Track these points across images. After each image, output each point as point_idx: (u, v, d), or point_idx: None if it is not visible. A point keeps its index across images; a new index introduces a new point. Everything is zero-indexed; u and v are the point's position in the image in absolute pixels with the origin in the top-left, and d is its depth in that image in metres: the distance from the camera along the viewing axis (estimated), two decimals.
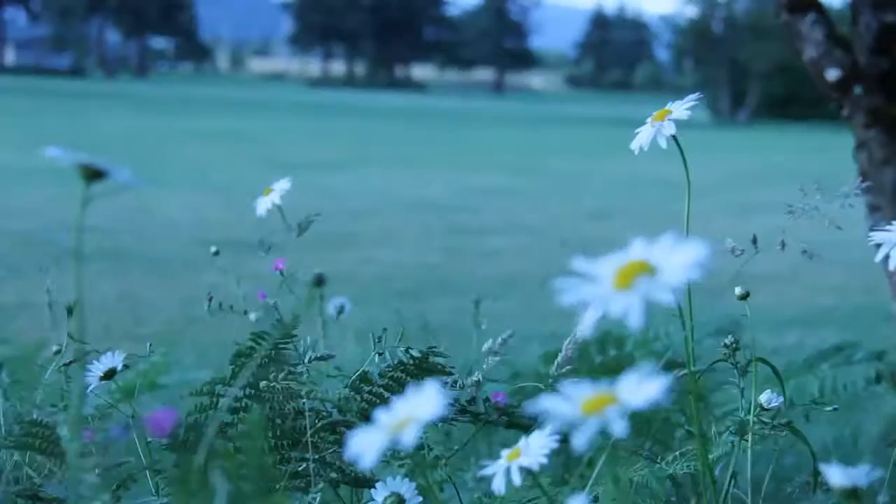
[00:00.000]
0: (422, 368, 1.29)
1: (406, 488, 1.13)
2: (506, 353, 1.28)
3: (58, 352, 1.37)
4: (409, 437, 0.70)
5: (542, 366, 1.82)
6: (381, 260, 6.35)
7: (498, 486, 0.85)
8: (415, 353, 1.29)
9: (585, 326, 0.68)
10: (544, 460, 0.85)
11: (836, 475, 0.80)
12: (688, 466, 1.22)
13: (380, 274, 5.85)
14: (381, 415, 0.74)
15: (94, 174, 0.78)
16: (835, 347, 2.00)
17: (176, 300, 4.94)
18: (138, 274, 5.65)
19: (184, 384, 1.66)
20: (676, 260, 0.68)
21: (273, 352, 1.23)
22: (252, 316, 1.35)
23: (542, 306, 5.04)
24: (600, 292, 0.68)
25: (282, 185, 1.37)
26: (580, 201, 9.80)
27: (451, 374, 1.30)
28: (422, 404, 0.73)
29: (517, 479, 0.85)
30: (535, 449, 0.86)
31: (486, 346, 1.28)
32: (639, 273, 0.68)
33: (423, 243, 7.13)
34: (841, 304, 5.03)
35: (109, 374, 1.28)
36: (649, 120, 1.10)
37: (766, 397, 1.25)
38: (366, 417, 1.27)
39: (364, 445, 0.72)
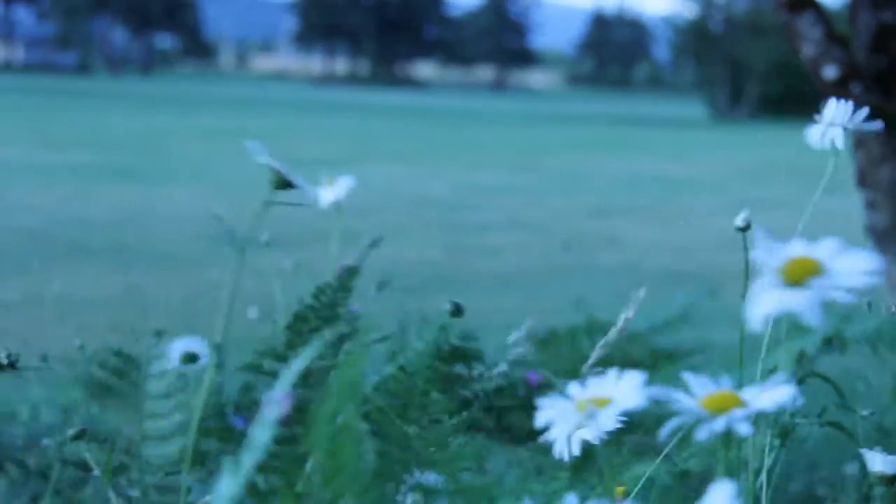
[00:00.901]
0: (456, 355, 1.28)
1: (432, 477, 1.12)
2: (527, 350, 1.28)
3: (81, 347, 1.40)
4: (607, 419, 0.68)
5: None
6: (383, 256, 6.36)
7: (560, 451, 0.86)
8: (452, 339, 1.28)
9: (755, 319, 0.67)
10: (605, 436, 0.86)
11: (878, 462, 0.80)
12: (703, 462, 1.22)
13: (381, 270, 5.87)
14: (573, 389, 0.73)
15: (283, 183, 0.79)
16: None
17: (181, 295, 4.97)
18: (144, 269, 5.68)
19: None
20: (849, 264, 0.67)
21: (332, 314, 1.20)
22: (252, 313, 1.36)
23: (542, 302, 5.07)
24: (771, 286, 0.67)
25: (346, 182, 1.36)
26: (580, 198, 9.83)
27: (483, 360, 1.28)
28: (621, 389, 0.71)
29: (576, 449, 0.86)
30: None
31: (513, 337, 1.27)
32: (810, 272, 0.67)
33: (424, 240, 7.16)
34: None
35: (190, 359, 1.30)
36: (825, 116, 1.08)
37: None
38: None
39: (557, 416, 0.69)
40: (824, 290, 0.66)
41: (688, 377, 0.70)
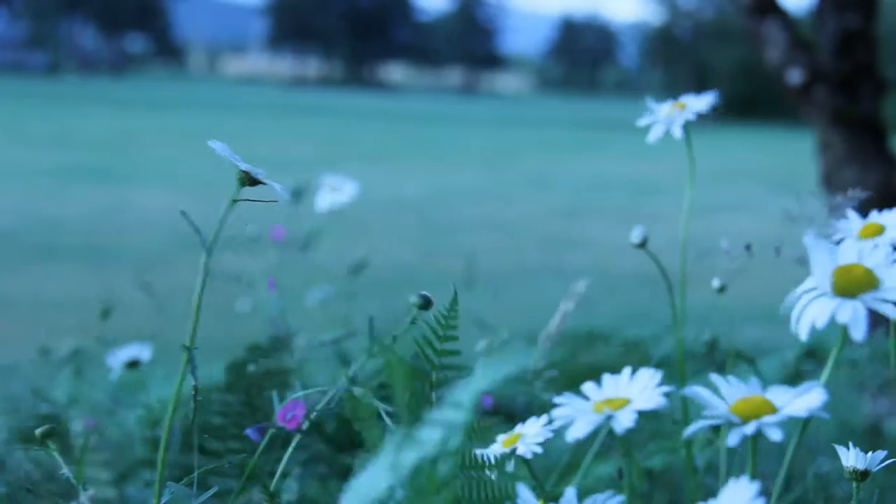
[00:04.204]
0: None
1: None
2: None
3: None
4: (624, 423, 0.65)
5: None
6: (355, 257, 6.38)
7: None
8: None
9: (803, 329, 0.65)
10: (539, 449, 0.83)
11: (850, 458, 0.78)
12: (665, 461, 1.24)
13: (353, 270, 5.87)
14: (588, 388, 0.70)
15: (250, 181, 0.80)
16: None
17: (151, 297, 4.96)
18: (114, 271, 5.68)
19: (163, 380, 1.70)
20: None
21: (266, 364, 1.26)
22: None
23: (513, 302, 5.10)
24: (824, 295, 0.65)
25: (348, 187, 1.38)
26: (550, 200, 9.87)
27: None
28: (637, 390, 0.69)
29: (511, 466, 0.84)
30: (530, 438, 0.84)
31: (480, 345, 1.26)
32: (861, 282, 0.65)
33: (396, 240, 7.18)
34: None
35: (133, 364, 1.33)
36: (663, 110, 1.07)
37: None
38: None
39: (575, 416, 0.67)
40: (874, 303, 0.64)
41: (715, 378, 0.68)
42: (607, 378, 0.71)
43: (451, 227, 8.00)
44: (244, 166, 0.78)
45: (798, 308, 0.65)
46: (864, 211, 0.90)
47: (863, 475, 0.79)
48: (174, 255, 6.09)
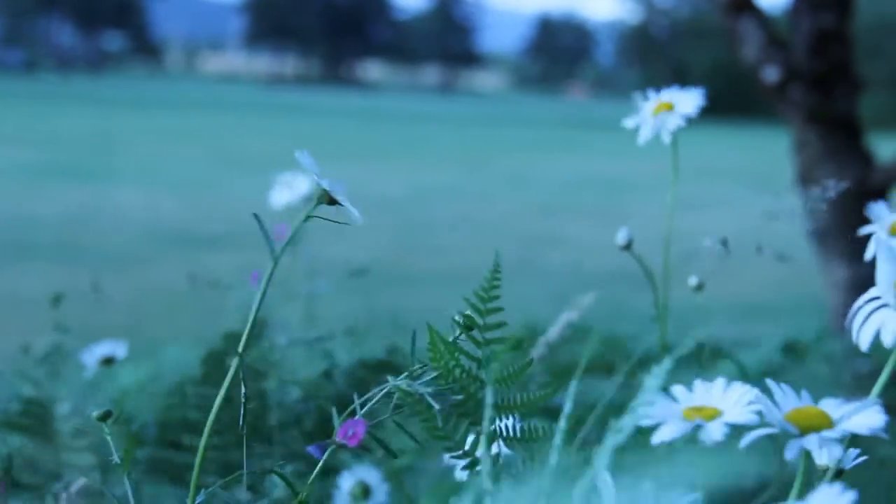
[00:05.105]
0: (385, 366, 1.28)
1: (372, 476, 1.12)
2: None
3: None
4: (714, 435, 0.63)
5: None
6: (333, 255, 6.37)
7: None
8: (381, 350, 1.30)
9: (863, 341, 0.63)
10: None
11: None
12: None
13: (331, 269, 5.86)
14: (679, 391, 0.68)
15: (329, 200, 0.78)
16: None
17: (130, 295, 4.95)
18: (92, 269, 5.66)
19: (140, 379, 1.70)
20: None
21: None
22: None
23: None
24: (887, 305, 0.62)
25: (302, 184, 1.37)
26: (528, 199, 9.89)
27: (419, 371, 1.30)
28: (729, 403, 0.66)
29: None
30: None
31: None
32: None
33: (374, 240, 7.17)
34: (777, 298, 5.15)
35: (108, 361, 1.33)
36: (649, 111, 1.07)
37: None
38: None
39: (665, 419, 0.65)
40: None
41: (772, 386, 0.66)
42: (698, 384, 0.69)
43: (429, 226, 8.00)
44: (325, 184, 0.76)
45: (860, 317, 0.63)
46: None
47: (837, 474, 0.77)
48: (152, 254, 6.07)
